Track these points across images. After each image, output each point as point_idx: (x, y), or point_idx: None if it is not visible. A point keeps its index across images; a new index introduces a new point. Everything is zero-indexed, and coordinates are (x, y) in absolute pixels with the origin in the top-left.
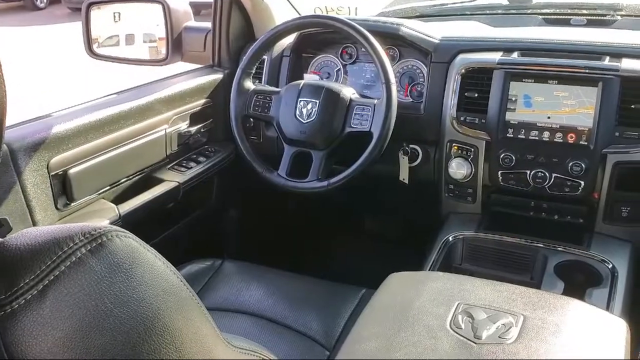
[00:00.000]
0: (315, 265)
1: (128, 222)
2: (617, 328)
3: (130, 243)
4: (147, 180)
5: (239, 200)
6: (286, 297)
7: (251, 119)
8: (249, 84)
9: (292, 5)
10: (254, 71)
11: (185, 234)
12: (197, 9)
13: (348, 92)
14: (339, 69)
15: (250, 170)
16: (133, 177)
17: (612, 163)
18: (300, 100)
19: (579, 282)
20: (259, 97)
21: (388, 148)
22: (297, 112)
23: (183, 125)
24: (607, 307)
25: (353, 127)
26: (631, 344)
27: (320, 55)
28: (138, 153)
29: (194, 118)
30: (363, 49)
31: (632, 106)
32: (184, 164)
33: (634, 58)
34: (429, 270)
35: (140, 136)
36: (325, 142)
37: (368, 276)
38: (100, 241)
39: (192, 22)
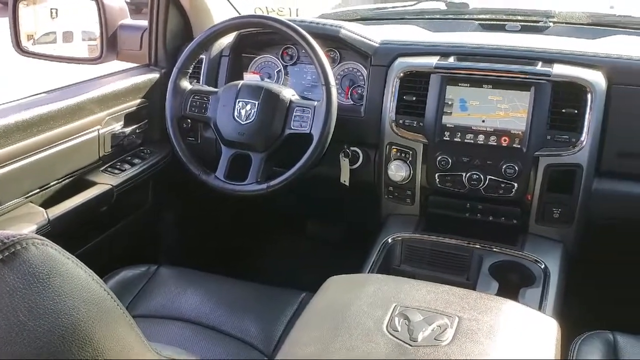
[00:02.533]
0: (254, 269)
1: (57, 227)
2: (548, 328)
3: (48, 252)
4: (78, 183)
5: (176, 203)
6: (224, 303)
7: (188, 120)
8: (186, 84)
9: (231, 4)
10: (190, 71)
11: (120, 239)
12: (138, 8)
13: (288, 94)
14: (280, 70)
15: (187, 172)
16: (64, 180)
17: (543, 165)
18: (238, 101)
19: (513, 281)
20: (195, 97)
21: (329, 150)
22: (236, 113)
23: (117, 126)
24: (540, 307)
25: (293, 129)
26: (562, 343)
27: (261, 56)
28: (69, 155)
29: (129, 119)
30: (303, 51)
31: (563, 110)
32: (117, 166)
33: (565, 64)
34: (369, 272)
35: (72, 137)
36: (265, 144)
37: (309, 280)
38: (13, 250)
39: (128, 20)
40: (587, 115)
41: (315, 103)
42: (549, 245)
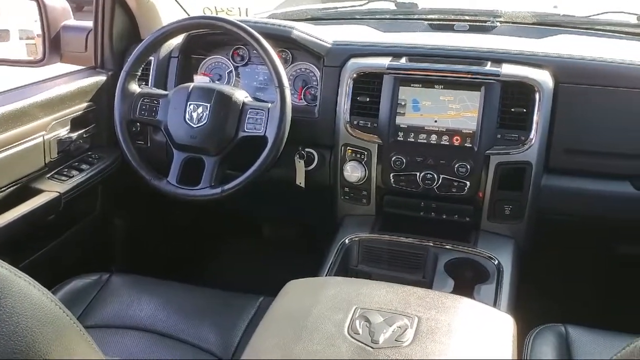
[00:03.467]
0: (211, 274)
1: (2, 238)
2: (504, 324)
3: None
4: (23, 191)
5: (127, 209)
6: (180, 310)
7: (137, 123)
8: (135, 87)
9: (179, 4)
10: (139, 73)
11: (69, 248)
12: (79, 5)
13: (240, 96)
14: (231, 71)
15: (138, 177)
16: (7, 189)
17: (494, 164)
18: (189, 104)
19: (468, 278)
20: (145, 100)
21: (284, 152)
22: (187, 116)
23: (63, 131)
24: (495, 302)
25: (247, 132)
26: (517, 338)
27: (211, 57)
28: (12, 163)
29: (75, 123)
30: (255, 52)
31: (512, 109)
32: (64, 173)
33: (513, 63)
34: (327, 273)
35: (15, 144)
36: (218, 147)
37: (266, 283)
38: None
39: (72, 21)
40: (535, 114)
41: (269, 105)
42: (501, 241)
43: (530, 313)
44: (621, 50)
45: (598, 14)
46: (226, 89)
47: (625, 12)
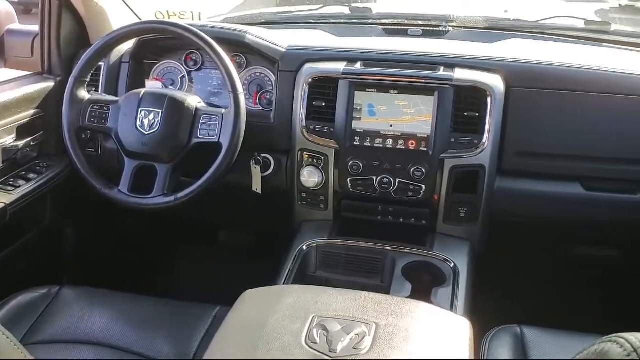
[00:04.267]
0: (165, 284)
1: None
2: (461, 328)
3: None
4: None
5: (78, 219)
6: (134, 322)
7: (88, 131)
8: (84, 93)
9: (130, 9)
10: (88, 79)
11: (16, 261)
12: (27, 8)
13: (193, 101)
14: (184, 76)
15: (88, 186)
16: None
17: (449, 167)
18: (141, 110)
19: (425, 282)
20: (94, 107)
21: (239, 158)
22: (138, 122)
23: (8, 139)
24: (451, 305)
25: (200, 138)
26: (474, 340)
27: (163, 62)
28: None
29: (22, 131)
30: (208, 56)
31: (465, 113)
32: (10, 183)
33: (465, 68)
34: (285, 280)
35: None
36: (171, 154)
37: (223, 292)
38: None
39: (17, 25)
40: (487, 118)
41: (223, 111)
42: (456, 243)
43: (487, 314)
44: (570, 54)
45: (547, 19)
46: (178, 94)
47: (573, 17)
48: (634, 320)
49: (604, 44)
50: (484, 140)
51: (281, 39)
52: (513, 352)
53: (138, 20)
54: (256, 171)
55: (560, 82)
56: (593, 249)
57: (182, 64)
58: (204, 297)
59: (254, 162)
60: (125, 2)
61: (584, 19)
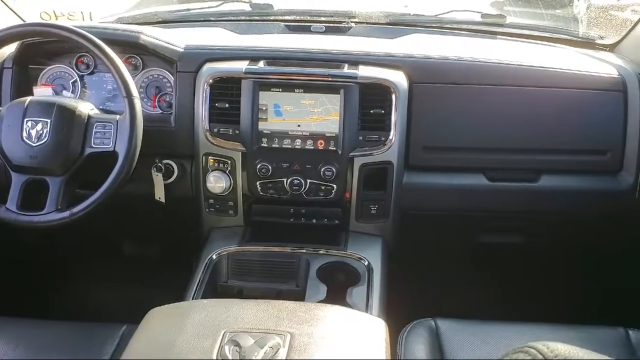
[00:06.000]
0: (66, 306)
1: None
2: (376, 328)
3: None
4: None
5: None
6: (32, 349)
7: None
8: None
9: (11, 9)
10: None
11: None
12: None
13: (85, 108)
14: (75, 81)
15: None
16: None
17: (358, 165)
18: (27, 121)
19: (340, 282)
20: None
21: (139, 166)
22: (24, 134)
23: None
24: (367, 304)
25: (94, 148)
26: (391, 336)
27: (52, 66)
28: None
29: None
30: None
31: (372, 111)
32: None
33: (369, 65)
34: (195, 292)
35: None
36: (63, 166)
37: (131, 309)
38: None
39: None
40: (393, 115)
41: (118, 117)
42: (369, 241)
43: (404, 309)
44: (468, 48)
45: (445, 13)
46: (68, 101)
47: (470, 11)
48: (541, 306)
49: (498, 37)
50: (390, 137)
51: (179, 39)
52: (429, 347)
53: (21, 22)
54: (158, 179)
55: (460, 76)
56: (499, 237)
57: (73, 68)
58: (110, 316)
59: (155, 169)
60: (4, 2)
61: (480, 12)
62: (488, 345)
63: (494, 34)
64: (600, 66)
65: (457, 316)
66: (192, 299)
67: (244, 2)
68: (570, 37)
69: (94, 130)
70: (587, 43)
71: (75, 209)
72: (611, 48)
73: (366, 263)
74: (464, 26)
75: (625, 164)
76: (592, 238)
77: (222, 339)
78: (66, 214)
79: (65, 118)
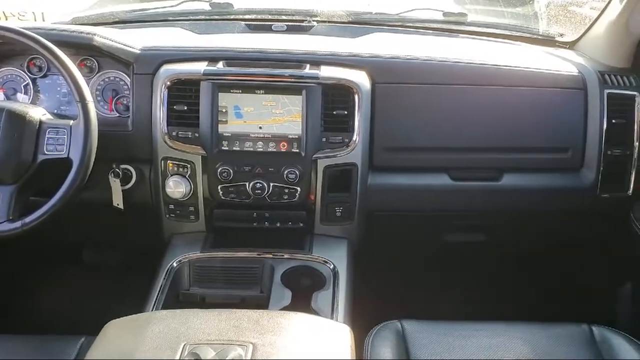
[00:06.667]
0: (20, 317)
1: None
2: (341, 335)
3: None
4: None
5: None
6: None
7: None
8: None
9: None
10: None
11: None
12: None
13: (37, 113)
14: (27, 84)
15: None
16: None
17: (322, 167)
18: None
19: (305, 287)
20: None
21: (95, 172)
22: None
23: None
24: (332, 309)
25: (47, 154)
26: (358, 341)
27: (2, 69)
28: None
29: None
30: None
31: (334, 112)
32: None
33: (331, 65)
34: (155, 301)
35: None
36: (14, 175)
37: (90, 319)
38: None
39: None
40: (356, 116)
41: (71, 122)
42: (335, 244)
43: (371, 312)
44: (431, 47)
45: (408, 11)
46: (18, 106)
47: (432, 9)
48: (507, 305)
49: (460, 35)
50: (354, 138)
51: (136, 39)
52: (395, 350)
53: None
54: (116, 185)
55: (423, 76)
56: (464, 236)
57: (24, 71)
58: (70, 327)
59: (112, 175)
60: None
61: (442, 11)
62: (453, 345)
63: (456, 32)
64: (561, 64)
65: (424, 317)
66: (153, 309)
67: (204, 1)
68: (531, 35)
69: (47, 136)
70: (548, 41)
71: (28, 219)
72: (571, 45)
73: (332, 266)
74: (426, 25)
75: (586, 161)
76: (556, 236)
77: (181, 352)
78: (18, 224)
79: (15, 124)
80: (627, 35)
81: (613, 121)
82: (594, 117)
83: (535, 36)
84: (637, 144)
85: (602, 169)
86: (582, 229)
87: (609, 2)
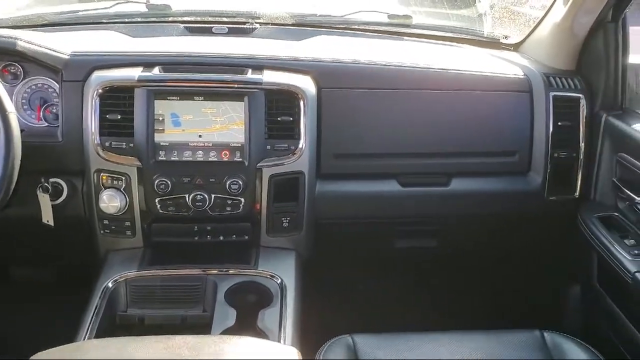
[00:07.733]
0: None
1: None
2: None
3: None
4: None
5: None
6: None
7: None
8: None
9: None
10: None
11: None
12: None
13: None
14: None
15: None
16: None
17: (267, 176)
18: None
19: (251, 304)
20: None
21: (21, 186)
22: None
23: None
24: (280, 327)
25: None
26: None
27: None
28: None
29: None
30: None
31: (279, 118)
32: None
33: (275, 70)
34: (89, 325)
35: None
36: None
37: (18, 342)
38: None
39: None
40: (302, 122)
41: None
42: (282, 256)
43: (321, 327)
44: (376, 50)
45: (353, 13)
46: None
47: (377, 11)
48: (460, 312)
49: (405, 38)
50: (300, 146)
51: (65, 44)
52: None
53: None
54: (45, 200)
55: (368, 81)
56: (414, 241)
57: None
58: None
59: (40, 189)
60: None
61: (387, 13)
62: (406, 358)
63: (401, 34)
64: (506, 67)
65: (377, 328)
66: (86, 334)
67: (140, 2)
68: (476, 37)
69: None
70: (492, 43)
71: None
72: (515, 47)
73: (279, 281)
74: (371, 27)
75: (534, 165)
76: (506, 240)
77: None
78: None
79: None
80: (572, 37)
81: (559, 124)
82: (539, 120)
83: (480, 38)
84: (583, 146)
85: (549, 171)
86: (531, 232)
87: (552, 4)
